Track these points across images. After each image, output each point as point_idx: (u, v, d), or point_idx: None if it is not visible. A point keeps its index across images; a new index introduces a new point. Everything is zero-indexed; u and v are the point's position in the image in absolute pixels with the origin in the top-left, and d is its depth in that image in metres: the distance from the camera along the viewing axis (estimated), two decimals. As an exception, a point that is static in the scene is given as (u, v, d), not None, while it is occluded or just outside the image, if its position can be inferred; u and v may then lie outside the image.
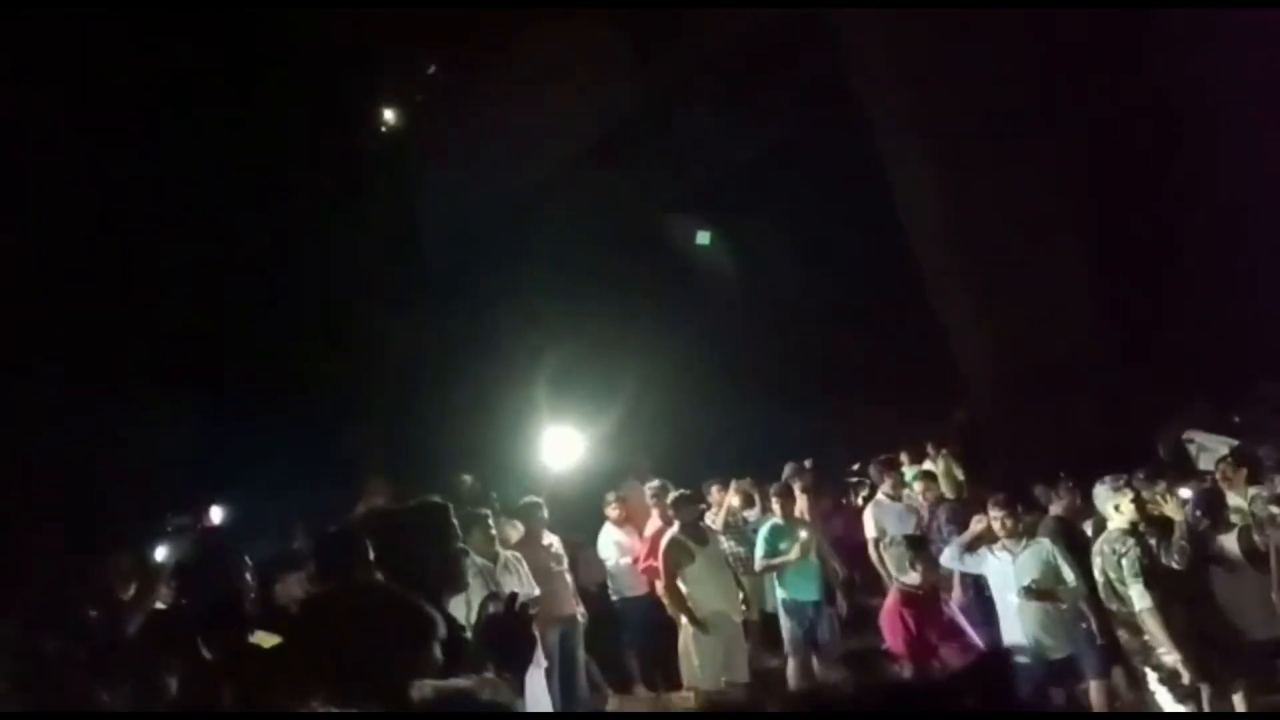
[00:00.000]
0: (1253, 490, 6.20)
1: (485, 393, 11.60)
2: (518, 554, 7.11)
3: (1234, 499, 6.26)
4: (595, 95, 14.69)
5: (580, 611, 7.81)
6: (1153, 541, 5.70)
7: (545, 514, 7.91)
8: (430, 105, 14.19)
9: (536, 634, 2.92)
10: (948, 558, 6.11)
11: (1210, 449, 8.76)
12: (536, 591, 6.71)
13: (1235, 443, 8.48)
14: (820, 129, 14.54)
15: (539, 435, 9.24)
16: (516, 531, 7.63)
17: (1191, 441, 9.08)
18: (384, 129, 14.05)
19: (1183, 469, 8.09)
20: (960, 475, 10.39)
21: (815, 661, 7.58)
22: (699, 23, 14.15)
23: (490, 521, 6.96)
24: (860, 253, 14.42)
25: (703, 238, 15.23)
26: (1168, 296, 12.96)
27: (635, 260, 14.20)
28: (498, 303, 13.10)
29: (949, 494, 10.09)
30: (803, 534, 7.70)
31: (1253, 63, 12.16)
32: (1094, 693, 5.56)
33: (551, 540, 7.90)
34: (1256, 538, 5.81)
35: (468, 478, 7.71)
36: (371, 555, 3.04)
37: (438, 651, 2.36)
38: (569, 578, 7.85)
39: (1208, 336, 11.83)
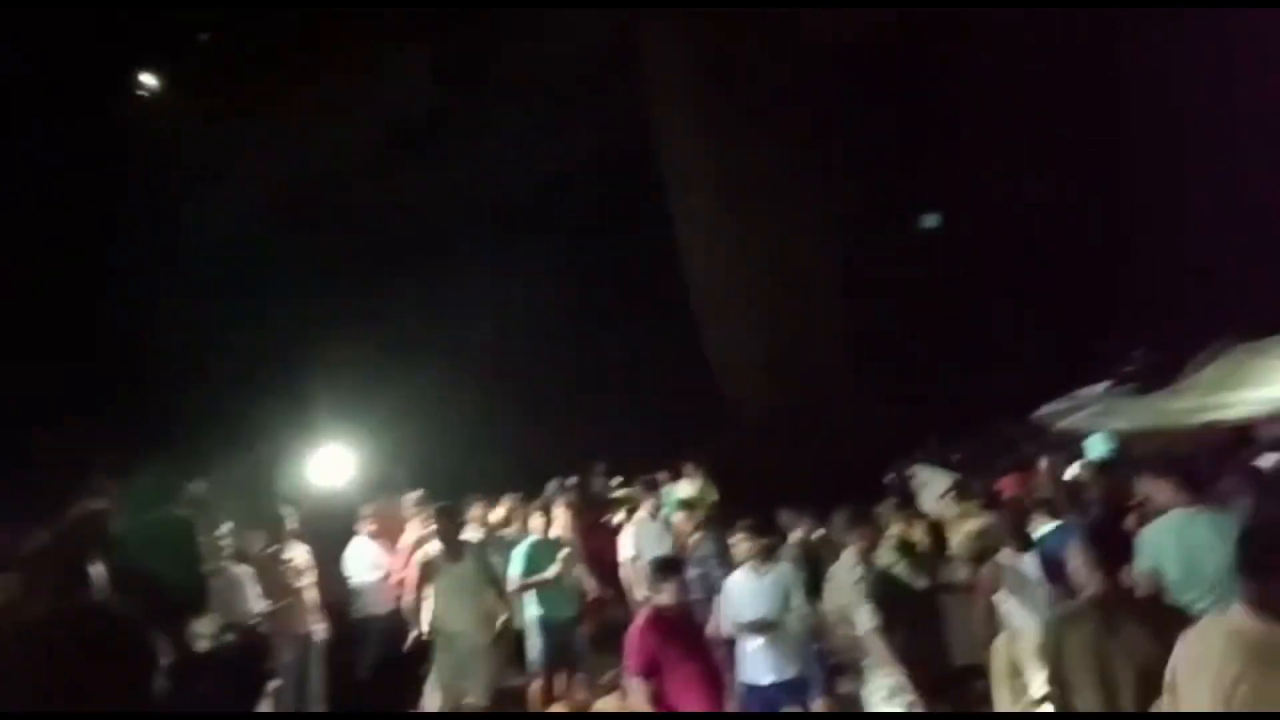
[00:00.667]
0: (975, 524, 6.71)
1: (236, 396, 10.90)
2: (251, 568, 6.71)
3: (957, 531, 6.82)
4: (389, 99, 14.34)
5: (319, 629, 7.45)
6: (890, 567, 6.20)
7: (292, 525, 7.52)
8: (201, 99, 13.25)
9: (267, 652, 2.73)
10: (699, 579, 6.34)
11: (931, 483, 9.61)
12: (264, 607, 6.35)
13: (956, 476, 9.37)
14: (615, 153, 14.90)
15: (296, 444, 8.83)
16: (257, 543, 7.22)
17: (914, 476, 9.92)
18: (149, 123, 12.94)
19: (907, 500, 8.74)
20: (714, 497, 10.89)
21: (564, 680, 7.63)
22: (514, 36, 14.15)
23: (225, 532, 6.54)
24: (638, 277, 14.80)
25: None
26: (915, 336, 14.27)
27: (411, 271, 13.92)
28: (254, 305, 12.39)
29: (705, 516, 10.55)
30: (562, 552, 7.74)
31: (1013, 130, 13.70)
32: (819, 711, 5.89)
33: (295, 553, 7.52)
34: (964, 571, 6.35)
35: (199, 484, 7.20)
36: (96, 571, 2.74)
37: (160, 682, 2.14)
38: (312, 593, 7.49)
39: (947, 377, 13.17)
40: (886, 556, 6.32)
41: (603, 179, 14.87)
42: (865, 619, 5.51)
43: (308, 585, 7.51)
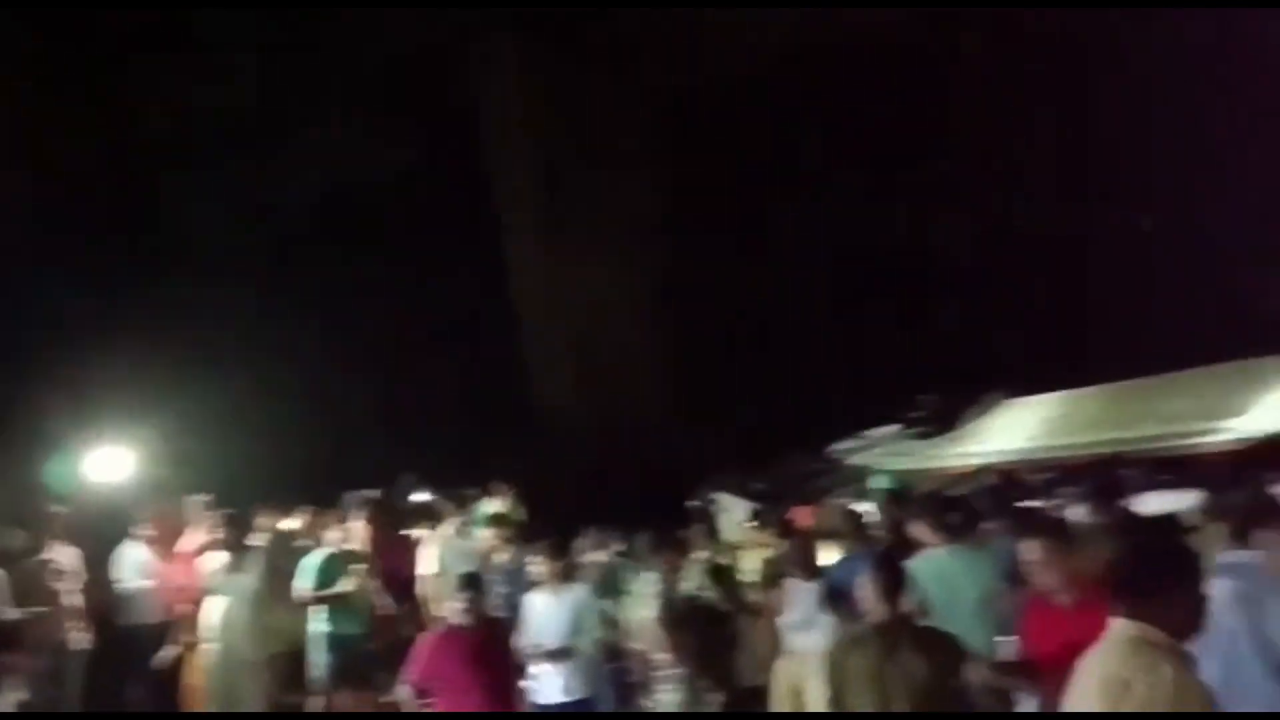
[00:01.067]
0: (769, 551, 6.92)
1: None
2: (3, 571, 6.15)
3: (750, 559, 7.01)
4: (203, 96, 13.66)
5: (80, 637, 6.88)
6: (698, 589, 6.33)
7: (61, 525, 6.92)
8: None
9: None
10: (505, 597, 6.27)
11: (730, 510, 9.96)
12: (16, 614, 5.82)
13: (755, 505, 9.75)
14: (437, 164, 14.69)
15: (72, 442, 8.17)
16: (17, 543, 6.61)
17: (714, 502, 10.25)
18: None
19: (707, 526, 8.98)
20: (522, 515, 10.85)
21: (347, 699, 7.35)
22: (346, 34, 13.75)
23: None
24: (456, 289, 14.61)
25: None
26: (726, 370, 14.75)
27: (214, 276, 13.24)
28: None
29: (511, 533, 10.47)
30: (357, 566, 7.48)
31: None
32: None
33: (60, 555, 6.91)
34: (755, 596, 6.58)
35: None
36: None
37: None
38: (76, 599, 6.90)
39: (751, 410, 13.70)
40: (694, 579, 6.50)
41: (424, 189, 14.66)
42: (653, 638, 5.63)
43: (71, 590, 6.91)
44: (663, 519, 8.13)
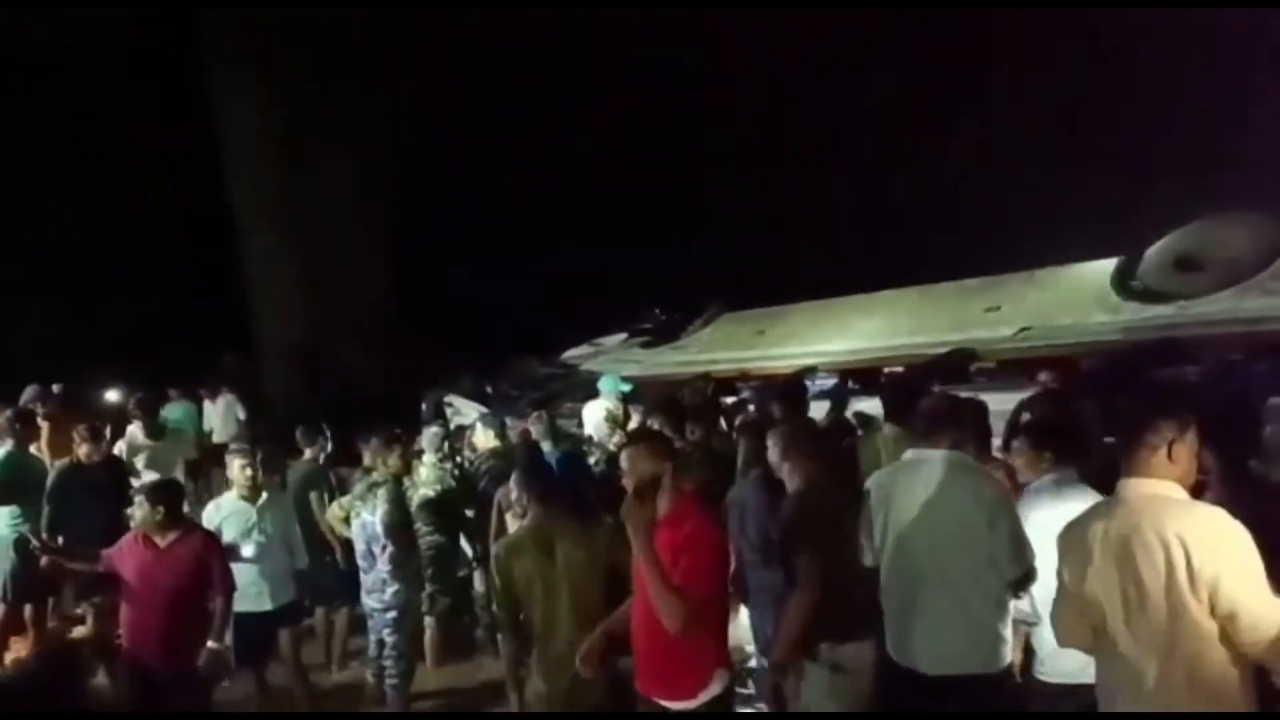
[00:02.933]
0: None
1: None
2: None
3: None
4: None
5: None
6: (429, 484, 6.38)
7: None
8: None
9: None
10: (211, 509, 5.84)
11: (464, 413, 9.88)
12: None
13: (484, 410, 9.72)
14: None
15: None
16: None
17: (450, 404, 10.13)
18: None
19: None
20: (241, 415, 10.27)
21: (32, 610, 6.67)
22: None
23: None
24: (170, 185, 13.32)
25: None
26: (453, 280, 14.45)
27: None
28: None
29: (222, 437, 9.88)
30: (37, 466, 6.73)
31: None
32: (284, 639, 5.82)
33: None
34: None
35: None
36: None
37: None
38: None
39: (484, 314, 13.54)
40: (429, 474, 6.46)
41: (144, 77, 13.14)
42: (387, 536, 5.53)
43: None
44: (389, 420, 7.92)
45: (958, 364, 8.27)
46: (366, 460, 6.32)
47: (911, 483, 3.56)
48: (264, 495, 5.62)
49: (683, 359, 11.02)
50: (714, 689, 3.32)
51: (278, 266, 13.86)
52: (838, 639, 3.81)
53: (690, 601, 3.13)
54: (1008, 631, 3.48)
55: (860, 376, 8.46)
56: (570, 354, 12.07)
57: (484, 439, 7.04)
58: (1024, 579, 3.38)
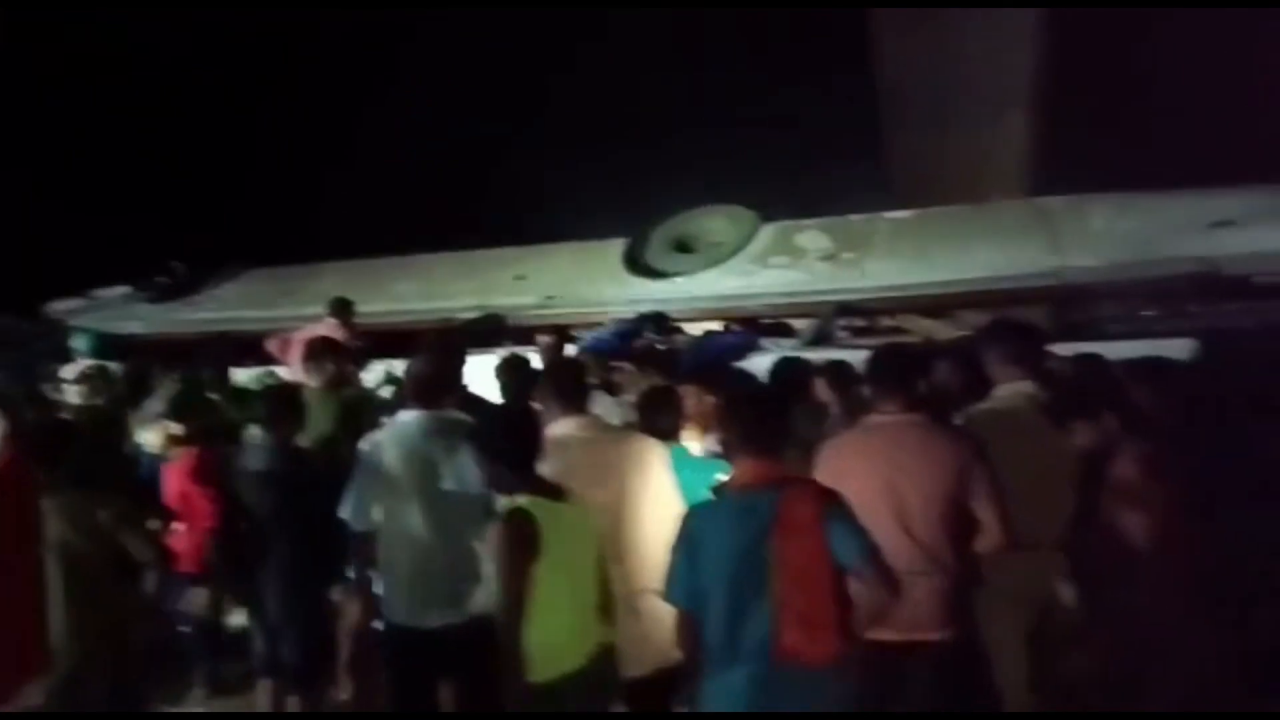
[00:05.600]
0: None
1: None
2: None
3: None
4: None
5: None
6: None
7: None
8: None
9: None
10: None
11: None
12: None
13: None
14: None
15: None
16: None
17: None
18: None
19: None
20: None
21: None
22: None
23: None
24: None
25: None
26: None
27: None
28: None
29: None
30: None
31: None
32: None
33: None
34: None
35: None
36: None
37: None
38: None
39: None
40: None
41: None
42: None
43: None
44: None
45: (488, 328, 8.44)
46: None
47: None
48: None
49: (199, 316, 9.90)
50: None
51: None
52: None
53: None
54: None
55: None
56: (59, 306, 10.25)
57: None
58: None
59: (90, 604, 3.69)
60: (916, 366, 3.54)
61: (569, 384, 3.58)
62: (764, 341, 6.95)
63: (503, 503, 3.01)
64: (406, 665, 3.57)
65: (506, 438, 3.02)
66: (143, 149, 12.93)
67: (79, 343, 7.32)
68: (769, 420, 2.91)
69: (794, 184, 10.13)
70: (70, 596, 3.64)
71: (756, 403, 3.05)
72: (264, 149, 13.20)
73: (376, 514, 3.61)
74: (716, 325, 7.70)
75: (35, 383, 7.13)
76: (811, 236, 8.43)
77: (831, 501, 2.79)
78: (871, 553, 2.74)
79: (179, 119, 13.17)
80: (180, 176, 12.96)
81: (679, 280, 8.50)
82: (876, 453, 3.30)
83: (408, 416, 3.68)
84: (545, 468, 3.08)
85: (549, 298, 8.88)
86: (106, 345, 7.66)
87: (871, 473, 3.24)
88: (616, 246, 9.36)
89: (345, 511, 3.60)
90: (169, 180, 12.97)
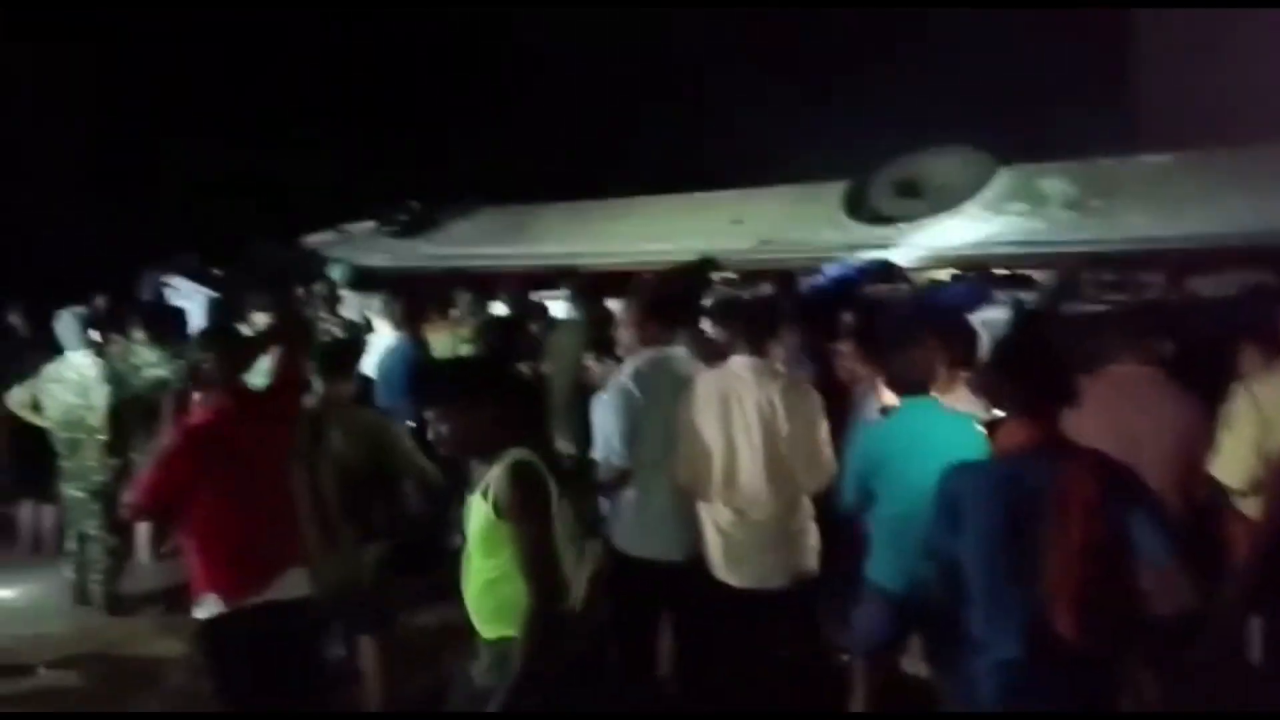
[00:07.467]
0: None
1: None
2: None
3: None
4: None
5: None
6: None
7: None
8: None
9: None
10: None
11: (187, 294, 8.80)
12: None
13: (214, 294, 8.72)
14: None
15: None
16: None
17: (169, 285, 8.99)
18: None
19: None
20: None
21: None
22: None
23: None
24: None
25: None
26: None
27: None
28: None
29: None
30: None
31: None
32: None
33: None
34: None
35: None
36: None
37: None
38: None
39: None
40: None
41: None
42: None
43: None
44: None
45: (703, 271, 8.33)
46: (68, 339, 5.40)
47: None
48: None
49: (436, 251, 10.41)
50: None
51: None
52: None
53: None
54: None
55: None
56: (314, 238, 11.06)
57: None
58: None
59: (352, 512, 3.98)
60: (1161, 324, 3.51)
61: (760, 325, 3.66)
62: (998, 294, 6.47)
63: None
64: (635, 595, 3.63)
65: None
66: (392, 96, 13.71)
67: (336, 272, 7.86)
68: (1047, 376, 2.65)
69: (1029, 126, 9.35)
70: (341, 501, 3.95)
71: (1033, 355, 2.79)
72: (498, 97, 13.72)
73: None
74: (943, 274, 7.26)
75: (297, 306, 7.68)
76: (1054, 182, 7.76)
77: (1123, 478, 2.51)
78: (1177, 549, 2.46)
79: (423, 70, 13.81)
80: (426, 119, 13.61)
81: (904, 226, 8.08)
82: (1112, 404, 3.22)
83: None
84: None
85: (764, 242, 8.68)
86: (359, 275, 8.19)
87: (1107, 425, 3.04)
88: (837, 190, 9.00)
89: None
90: (415, 122, 13.73)
